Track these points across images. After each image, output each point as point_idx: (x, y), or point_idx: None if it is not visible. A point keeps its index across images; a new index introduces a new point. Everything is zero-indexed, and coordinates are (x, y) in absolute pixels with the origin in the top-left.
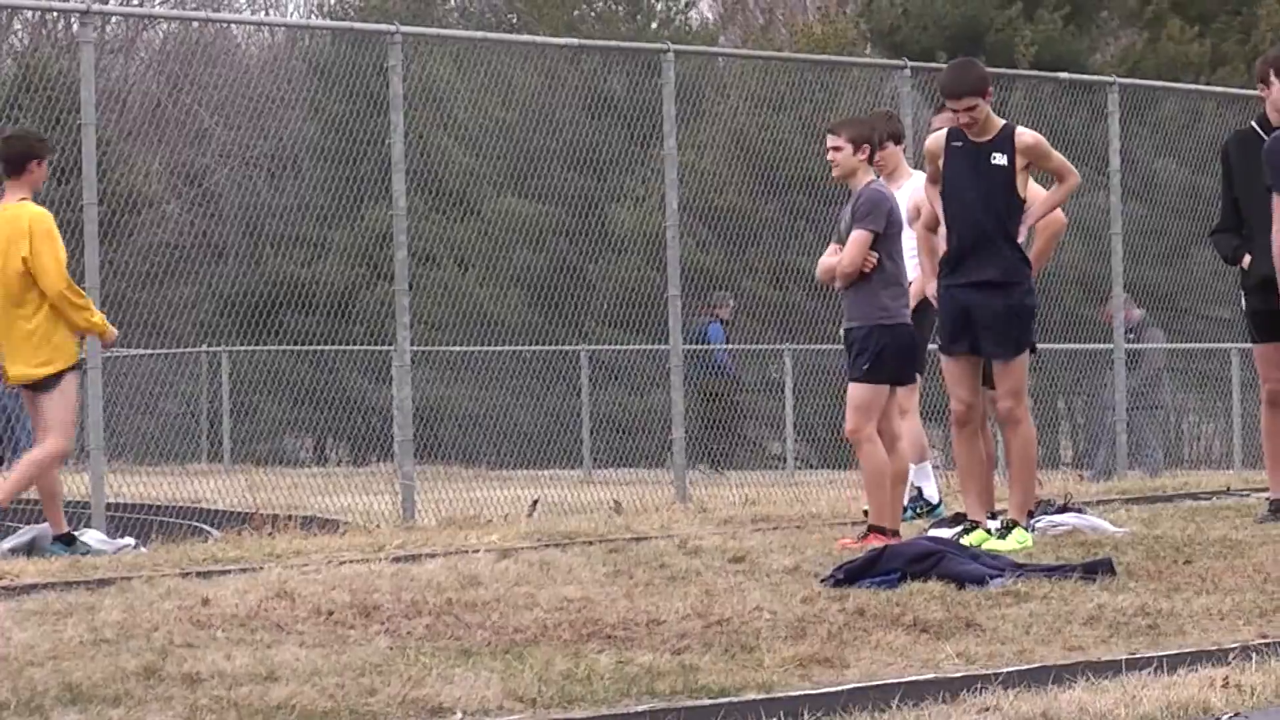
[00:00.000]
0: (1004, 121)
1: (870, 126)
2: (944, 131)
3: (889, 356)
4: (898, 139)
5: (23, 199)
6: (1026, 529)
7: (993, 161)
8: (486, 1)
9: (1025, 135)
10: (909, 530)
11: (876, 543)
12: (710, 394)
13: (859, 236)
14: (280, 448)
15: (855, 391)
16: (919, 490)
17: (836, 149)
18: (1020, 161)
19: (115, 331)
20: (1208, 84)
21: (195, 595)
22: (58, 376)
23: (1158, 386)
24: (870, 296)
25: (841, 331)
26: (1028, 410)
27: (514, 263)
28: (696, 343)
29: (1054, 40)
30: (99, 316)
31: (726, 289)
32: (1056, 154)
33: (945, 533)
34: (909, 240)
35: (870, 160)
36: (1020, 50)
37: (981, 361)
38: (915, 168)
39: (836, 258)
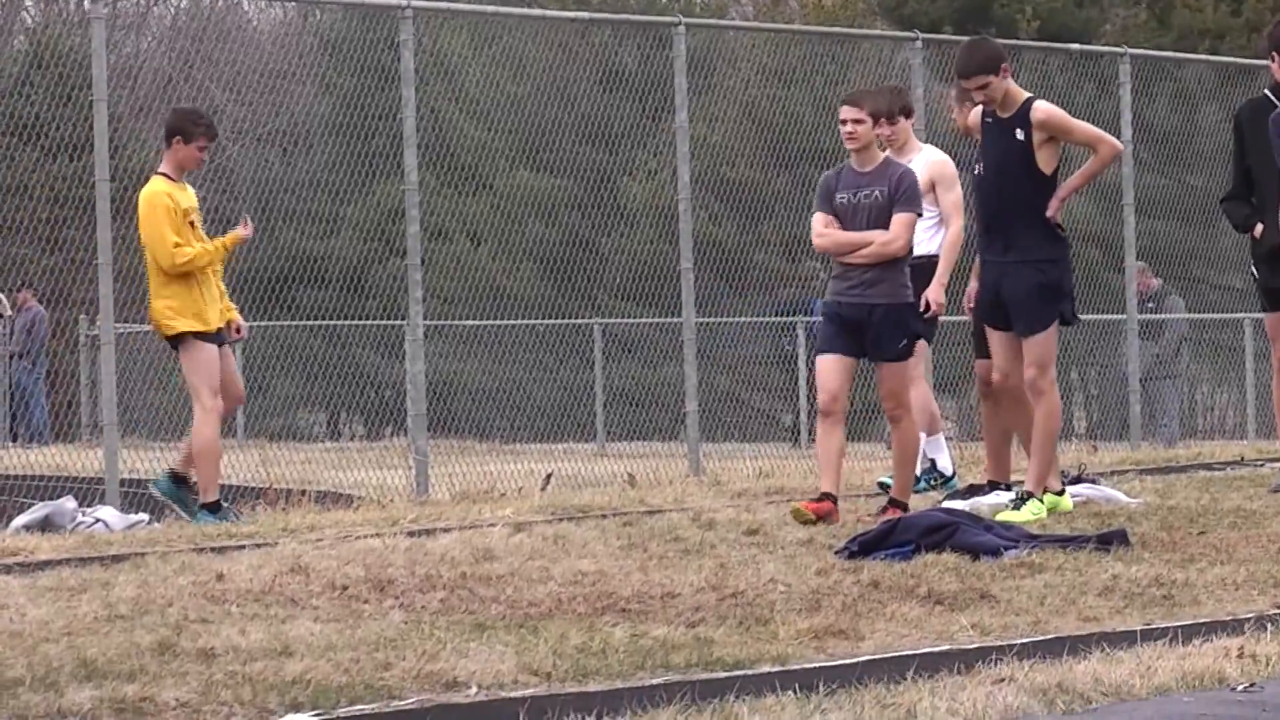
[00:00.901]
0: (1027, 96)
1: (889, 99)
2: (980, 108)
3: (921, 333)
4: (908, 113)
5: (161, 173)
6: (1040, 500)
7: (1015, 137)
8: None
9: (1039, 110)
10: (923, 502)
11: (893, 515)
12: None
13: (909, 219)
14: (294, 423)
15: (894, 371)
16: (932, 462)
17: (858, 121)
18: (1038, 136)
19: (241, 232)
20: (1219, 53)
21: (210, 570)
22: (178, 338)
23: (1176, 356)
24: (898, 275)
25: (843, 302)
26: (1053, 382)
27: (526, 236)
28: (800, 314)
29: (1059, 12)
30: (215, 243)
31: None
32: (1081, 125)
33: (960, 504)
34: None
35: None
36: (1023, 24)
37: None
38: (926, 140)
39: (857, 233)
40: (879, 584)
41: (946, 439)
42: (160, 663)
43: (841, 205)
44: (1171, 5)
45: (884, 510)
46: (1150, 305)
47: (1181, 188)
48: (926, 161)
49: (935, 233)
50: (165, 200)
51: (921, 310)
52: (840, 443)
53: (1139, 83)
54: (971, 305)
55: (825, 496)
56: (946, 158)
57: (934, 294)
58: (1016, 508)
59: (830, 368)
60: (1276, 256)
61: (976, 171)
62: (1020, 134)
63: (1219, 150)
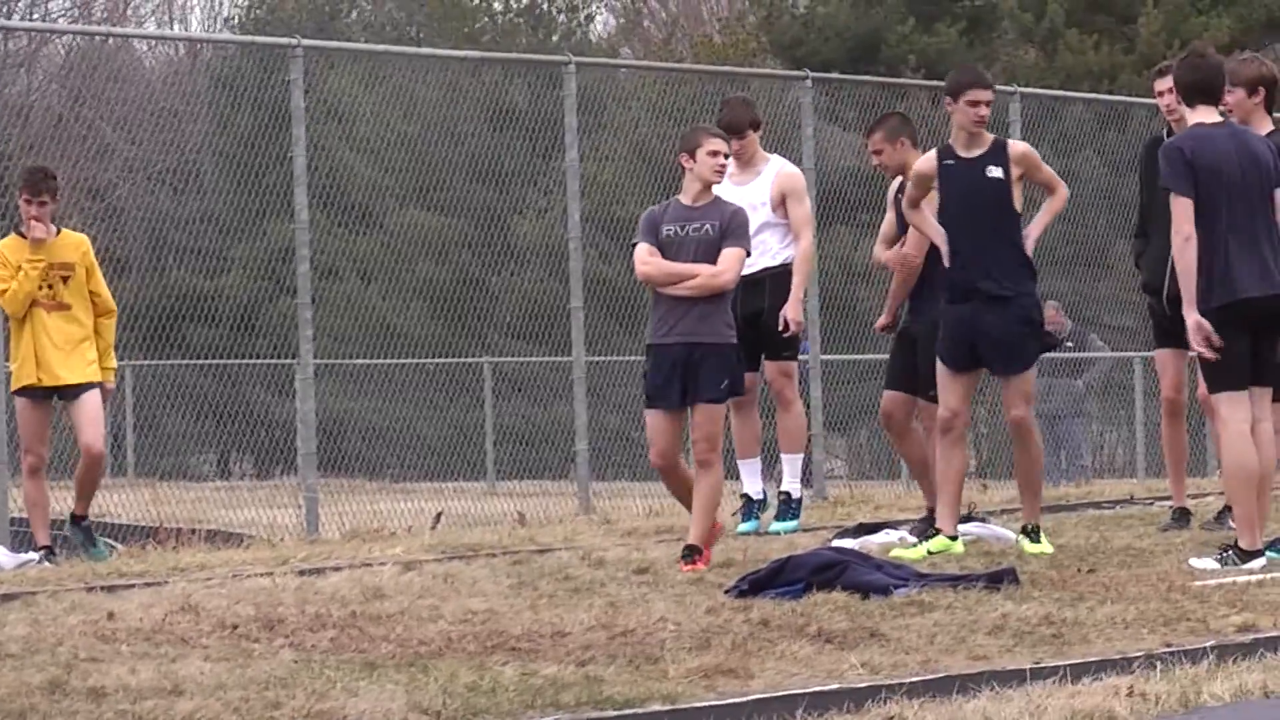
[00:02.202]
0: (993, 135)
1: (742, 113)
2: (934, 153)
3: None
4: (756, 125)
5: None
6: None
7: (989, 175)
8: (388, 15)
9: (1018, 146)
10: (814, 540)
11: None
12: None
13: (739, 254)
14: (184, 462)
15: (712, 414)
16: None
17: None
18: (1015, 172)
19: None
20: (1109, 93)
21: (100, 609)
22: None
23: (1087, 395)
24: (723, 314)
25: (668, 344)
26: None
27: (417, 275)
28: None
29: (949, 53)
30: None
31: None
32: (1046, 166)
33: (850, 543)
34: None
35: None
36: (909, 63)
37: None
38: (814, 181)
39: (683, 264)
40: (769, 622)
41: (836, 477)
42: (50, 701)
43: (669, 238)
44: (1057, 47)
45: (683, 559)
46: (1070, 345)
47: (1068, 228)
48: (776, 173)
49: (787, 243)
50: None
51: (781, 329)
52: (688, 487)
53: (1027, 123)
54: (883, 330)
55: (693, 550)
56: (797, 169)
57: (793, 311)
58: (1035, 540)
59: (661, 426)
60: (1156, 292)
61: (939, 213)
62: (997, 171)
63: (1097, 193)
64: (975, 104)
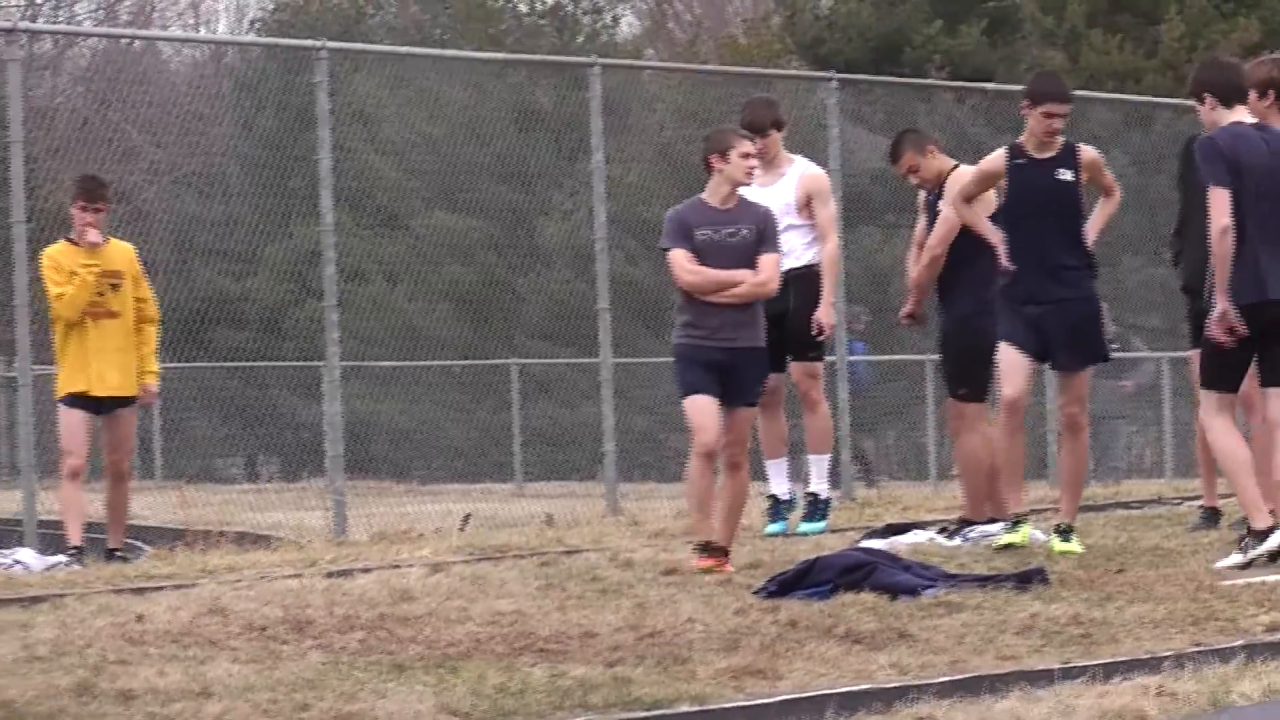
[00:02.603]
0: (1064, 138)
1: (767, 112)
2: (1004, 151)
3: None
4: (779, 125)
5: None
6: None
7: (1059, 178)
8: (413, 17)
9: (1088, 151)
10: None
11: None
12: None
13: (776, 259)
14: (211, 464)
15: (746, 417)
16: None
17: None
18: (1084, 176)
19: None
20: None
21: (128, 612)
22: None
23: (1133, 397)
24: (759, 317)
25: (707, 345)
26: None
27: (443, 277)
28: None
29: (972, 54)
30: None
31: (862, 304)
32: (1108, 172)
33: (878, 544)
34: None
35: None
36: (935, 63)
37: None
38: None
39: (727, 271)
40: (797, 623)
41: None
42: (79, 704)
43: (704, 242)
44: (1081, 48)
45: (702, 553)
46: (1115, 345)
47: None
48: (801, 174)
49: (811, 244)
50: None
51: (815, 333)
52: (710, 483)
53: None
54: (907, 320)
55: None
56: (821, 170)
57: (825, 315)
58: (1066, 539)
59: (708, 409)
60: (1195, 293)
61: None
62: (1067, 174)
63: (1124, 193)
64: (1051, 116)
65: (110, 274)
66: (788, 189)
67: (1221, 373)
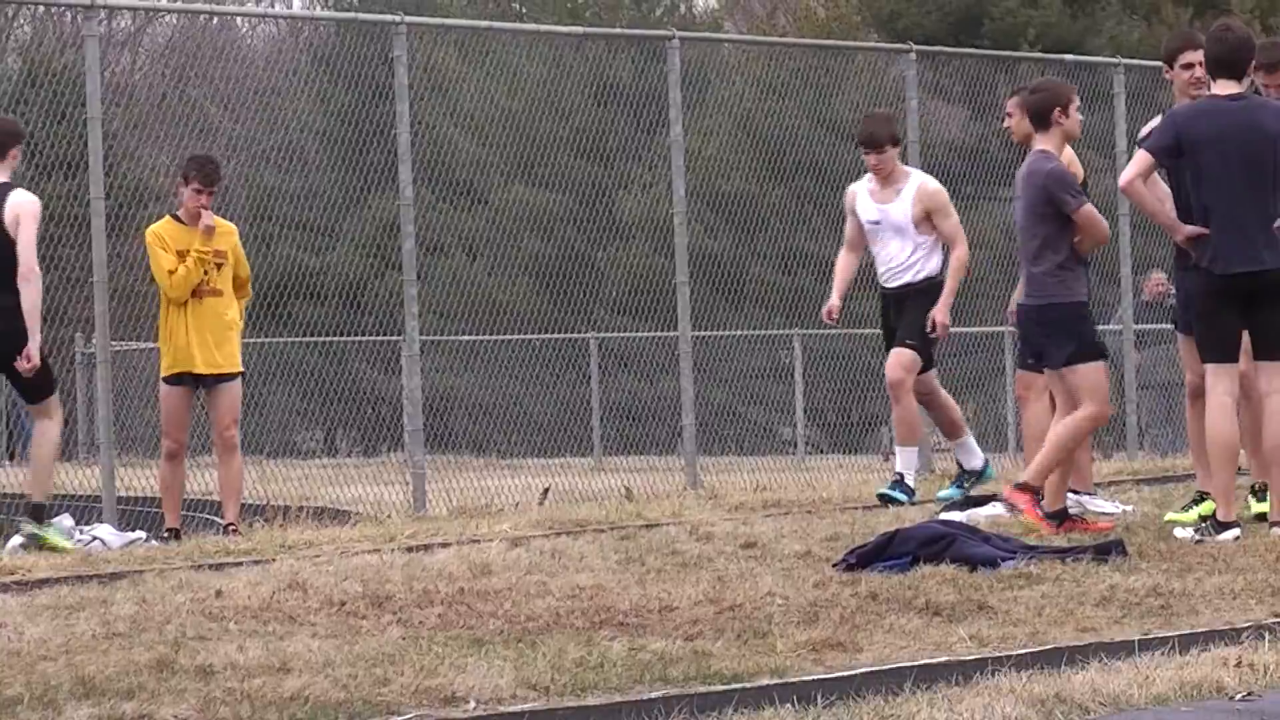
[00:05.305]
0: None
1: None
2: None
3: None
4: (895, 141)
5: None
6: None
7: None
8: None
9: None
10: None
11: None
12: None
13: None
14: (290, 439)
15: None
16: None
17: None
18: None
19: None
20: None
21: (207, 588)
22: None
23: None
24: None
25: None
26: None
27: (522, 251)
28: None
29: (1053, 25)
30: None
31: None
32: None
33: (957, 515)
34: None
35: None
36: (1027, 36)
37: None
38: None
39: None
40: (876, 596)
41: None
42: (159, 680)
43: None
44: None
45: (1017, 492)
46: None
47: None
48: (917, 189)
49: (928, 257)
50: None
51: (929, 330)
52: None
53: (1132, 94)
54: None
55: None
56: (937, 184)
57: (941, 314)
58: (1261, 499)
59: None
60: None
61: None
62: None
63: None
64: (1190, 66)
65: (216, 253)
66: (904, 206)
67: (1214, 341)
